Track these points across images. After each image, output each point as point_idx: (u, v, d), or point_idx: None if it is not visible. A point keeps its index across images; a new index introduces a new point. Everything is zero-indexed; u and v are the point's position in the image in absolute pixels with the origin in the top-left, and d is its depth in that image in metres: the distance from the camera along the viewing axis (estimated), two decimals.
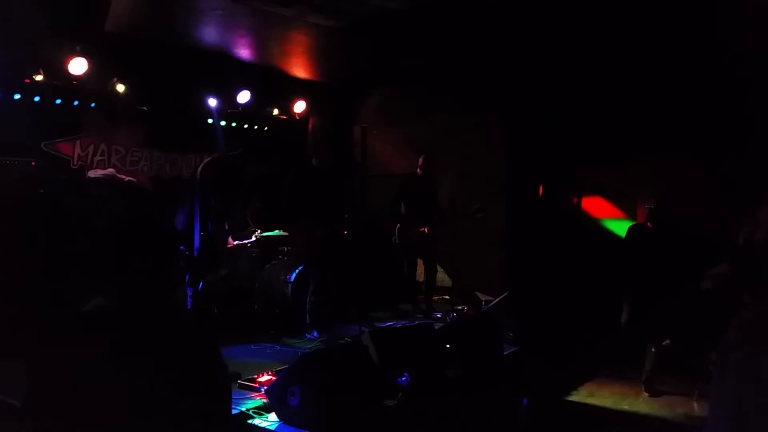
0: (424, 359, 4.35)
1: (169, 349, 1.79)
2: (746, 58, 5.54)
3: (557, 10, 5.81)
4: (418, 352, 4.34)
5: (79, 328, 1.75)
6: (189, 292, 4.53)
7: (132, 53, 6.35)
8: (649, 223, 5.86)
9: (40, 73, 5.86)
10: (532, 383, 5.45)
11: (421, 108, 8.23)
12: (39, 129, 6.11)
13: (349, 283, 6.15)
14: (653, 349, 5.70)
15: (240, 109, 7.74)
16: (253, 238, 6.81)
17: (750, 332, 1.73)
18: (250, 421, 3.63)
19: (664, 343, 5.70)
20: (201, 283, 4.49)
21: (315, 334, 5.69)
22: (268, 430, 3.56)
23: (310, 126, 8.92)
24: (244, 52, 7.24)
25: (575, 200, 7.16)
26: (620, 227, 6.23)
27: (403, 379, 4.04)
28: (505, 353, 5.45)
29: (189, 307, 4.42)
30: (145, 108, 6.93)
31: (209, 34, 6.67)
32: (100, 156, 6.72)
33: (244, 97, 7.62)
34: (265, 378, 4.15)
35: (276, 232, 6.90)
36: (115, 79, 6.45)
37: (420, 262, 6.89)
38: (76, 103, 6.37)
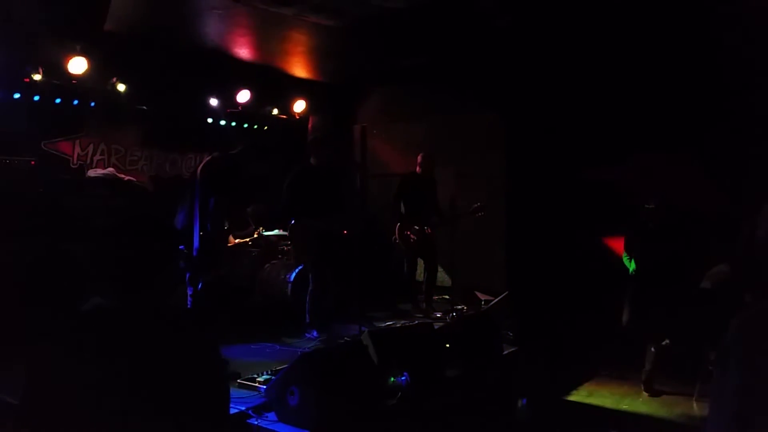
0: (423, 359, 4.35)
1: (168, 348, 1.79)
2: (746, 58, 5.54)
3: (557, 10, 5.82)
4: (417, 351, 4.35)
5: (77, 327, 1.74)
6: (189, 292, 4.52)
7: (132, 52, 6.35)
8: (648, 223, 5.85)
9: (39, 73, 5.86)
10: (531, 383, 5.45)
11: (421, 107, 8.22)
12: (39, 128, 6.10)
13: (348, 283, 6.15)
14: (653, 349, 5.69)
15: (240, 108, 7.75)
16: (255, 236, 6.81)
17: (750, 332, 1.72)
18: (249, 421, 3.63)
19: (663, 343, 5.70)
20: (201, 283, 4.49)
21: (314, 333, 5.69)
22: (267, 429, 3.56)
23: (309, 125, 8.92)
24: (243, 52, 7.24)
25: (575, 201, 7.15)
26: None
27: (403, 378, 4.04)
28: (504, 353, 5.45)
29: (189, 306, 4.41)
30: (144, 107, 6.93)
31: (209, 33, 6.67)
32: (100, 155, 6.72)
33: (243, 96, 7.62)
34: (264, 377, 4.15)
35: (275, 232, 6.91)
36: (114, 79, 6.45)
37: (420, 261, 6.89)
38: (75, 102, 6.37)
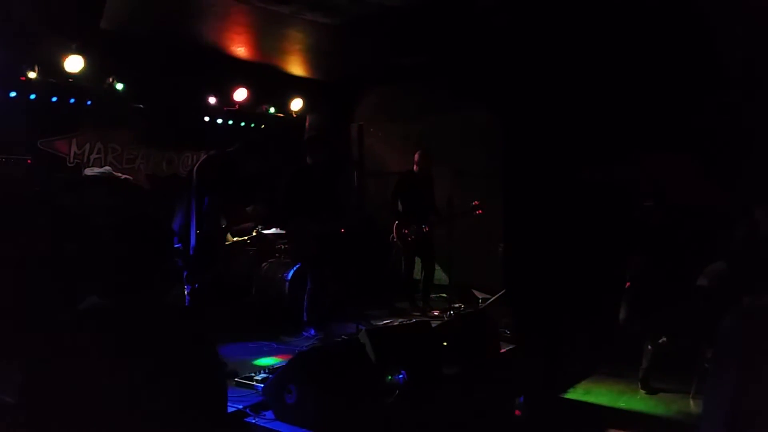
0: (421, 357, 4.35)
1: (166, 347, 1.79)
2: (746, 57, 5.55)
3: (555, 8, 5.81)
4: (415, 350, 4.35)
5: (74, 326, 1.74)
6: (186, 290, 4.52)
7: (128, 51, 6.33)
8: (646, 221, 5.86)
9: (35, 71, 5.84)
10: (528, 381, 5.46)
11: (419, 106, 8.22)
12: (35, 127, 6.08)
13: (346, 281, 6.15)
14: (650, 347, 5.71)
15: (237, 106, 7.74)
16: (254, 234, 6.80)
17: (747, 330, 1.73)
18: (246, 419, 3.63)
19: (660, 341, 5.71)
20: (198, 282, 4.48)
21: (312, 332, 5.69)
22: (265, 428, 3.56)
23: (306, 124, 8.91)
24: (241, 50, 7.22)
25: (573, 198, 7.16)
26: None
27: (400, 376, 4.05)
28: (502, 351, 5.46)
29: (186, 305, 4.41)
30: (141, 106, 6.91)
31: (206, 31, 6.65)
32: (97, 154, 6.70)
33: (241, 94, 7.61)
34: (262, 376, 4.15)
35: (273, 230, 6.91)
36: (111, 77, 6.44)
37: (417, 260, 6.89)
38: (72, 101, 6.34)
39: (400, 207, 6.74)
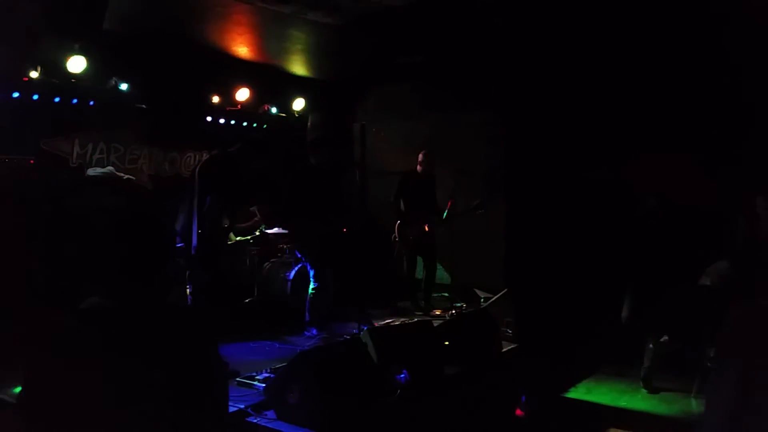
0: (422, 356, 4.36)
1: (167, 347, 1.79)
2: (746, 56, 5.54)
3: (556, 7, 5.81)
4: (416, 349, 4.35)
5: (75, 326, 1.75)
6: (188, 290, 4.53)
7: (130, 51, 6.35)
8: (648, 220, 5.86)
9: (38, 71, 5.86)
10: (530, 380, 5.45)
11: (421, 105, 8.21)
12: (37, 127, 6.09)
13: (348, 281, 6.15)
14: (651, 346, 5.70)
15: (239, 106, 7.75)
16: (257, 234, 6.81)
17: (746, 332, 1.73)
18: (248, 419, 3.64)
19: (662, 340, 5.70)
20: (200, 281, 4.49)
21: (314, 331, 5.70)
22: (266, 427, 3.57)
23: (308, 124, 8.92)
24: (242, 50, 7.23)
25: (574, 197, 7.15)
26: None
27: (402, 376, 4.05)
28: (503, 350, 5.46)
29: (188, 305, 4.42)
30: (143, 106, 6.93)
31: (208, 31, 6.66)
32: (99, 154, 6.71)
33: (243, 94, 7.62)
34: (263, 376, 4.16)
35: (275, 230, 6.91)
36: (113, 78, 6.45)
37: (419, 259, 6.89)
38: (74, 101, 6.36)
39: (402, 206, 6.74)
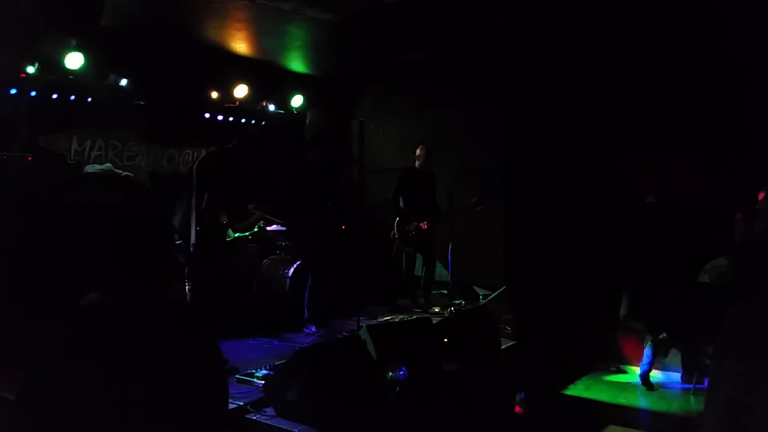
0: (421, 353, 4.35)
1: (166, 344, 1.79)
2: (746, 56, 5.54)
3: (557, 4, 5.80)
4: (415, 346, 4.35)
5: (75, 323, 1.74)
6: (187, 287, 4.52)
7: (128, 48, 6.33)
8: (647, 218, 5.87)
9: (36, 68, 5.84)
10: (529, 377, 5.46)
11: (419, 102, 8.21)
12: (35, 124, 6.08)
13: (347, 278, 6.15)
14: (650, 343, 5.71)
15: (237, 103, 7.74)
16: (256, 230, 6.81)
17: (746, 329, 1.72)
18: (248, 416, 3.63)
19: (661, 337, 5.72)
20: (198, 278, 4.48)
21: (313, 328, 5.69)
22: (266, 424, 3.56)
23: (307, 121, 8.91)
24: (241, 47, 7.22)
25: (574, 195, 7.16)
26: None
27: (401, 373, 4.05)
28: (502, 347, 5.47)
29: (187, 302, 4.41)
30: (142, 103, 6.91)
31: (206, 28, 6.65)
32: (97, 151, 6.70)
33: (241, 91, 7.61)
34: (262, 373, 4.16)
35: (274, 227, 6.90)
36: (111, 74, 6.43)
37: (418, 256, 6.89)
38: (72, 97, 6.35)
39: (401, 203, 6.73)
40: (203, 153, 5.01)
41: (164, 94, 6.95)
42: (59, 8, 5.31)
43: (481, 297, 6.77)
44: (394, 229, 6.72)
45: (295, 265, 6.31)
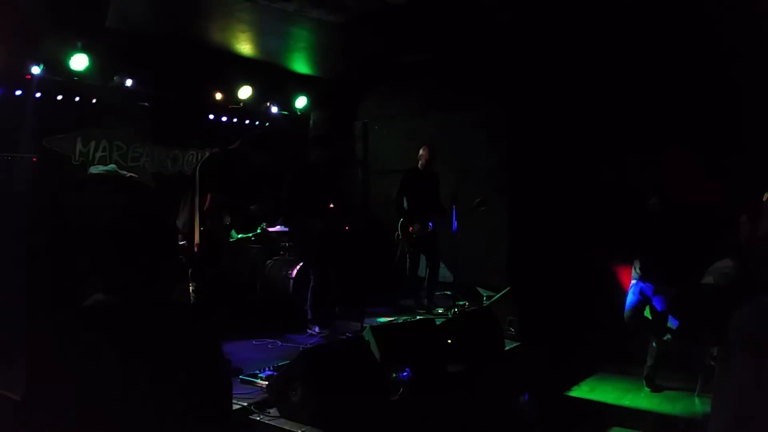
0: (425, 354, 4.35)
1: (171, 344, 1.79)
2: (753, 54, 5.52)
3: (559, 5, 5.80)
4: (419, 347, 4.35)
5: (79, 323, 1.75)
6: (190, 288, 4.52)
7: (133, 49, 6.35)
8: (652, 219, 5.84)
9: (41, 69, 5.86)
10: (533, 378, 5.45)
11: (423, 103, 8.21)
12: (40, 125, 6.11)
13: (351, 279, 6.15)
14: (655, 345, 5.69)
15: (241, 104, 7.75)
16: (258, 231, 6.81)
17: (752, 330, 1.72)
18: (251, 417, 3.63)
19: (665, 338, 5.69)
20: (202, 279, 4.48)
21: (317, 329, 5.70)
22: (269, 425, 3.56)
23: (311, 122, 8.92)
24: (245, 48, 7.23)
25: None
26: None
27: (405, 374, 4.04)
28: (506, 348, 5.45)
29: (190, 302, 4.41)
30: (146, 104, 6.93)
31: (211, 29, 6.66)
32: (102, 152, 6.72)
33: (245, 92, 7.62)
34: (266, 374, 4.16)
35: (277, 228, 6.90)
36: (116, 76, 6.45)
37: (422, 257, 6.88)
38: (77, 99, 6.37)
39: (405, 204, 6.73)
40: (207, 154, 5.01)
41: (168, 95, 6.97)
42: (64, 10, 5.33)
43: (485, 298, 6.76)
44: (398, 230, 6.72)
45: (298, 266, 6.31)
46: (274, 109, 8.31)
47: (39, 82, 5.91)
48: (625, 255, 6.12)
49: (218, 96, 7.48)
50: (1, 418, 3.32)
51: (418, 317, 6.06)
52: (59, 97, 6.20)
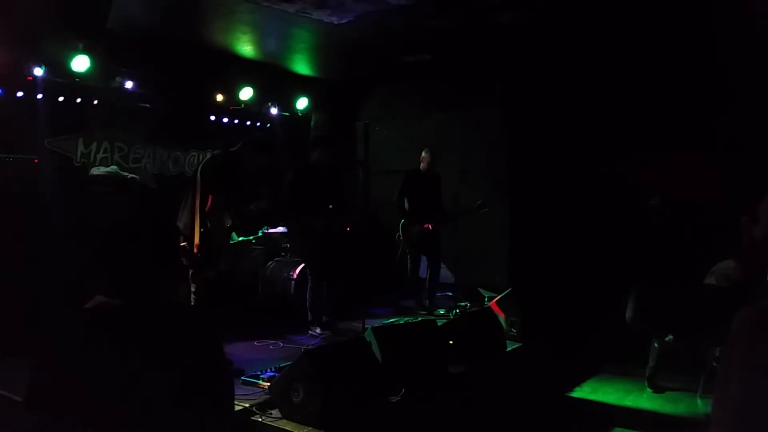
0: (427, 356, 4.35)
1: (172, 346, 1.79)
2: (755, 55, 5.52)
3: (559, 5, 5.80)
4: (421, 348, 4.35)
5: (81, 324, 1.74)
6: (191, 289, 4.53)
7: (134, 50, 6.36)
8: (653, 219, 5.84)
9: (42, 71, 5.87)
10: (535, 379, 5.44)
11: (425, 104, 8.21)
12: (41, 126, 6.11)
13: (352, 280, 6.15)
14: (657, 345, 5.68)
15: (242, 105, 7.75)
16: (260, 234, 6.81)
17: (753, 331, 1.71)
18: (253, 418, 3.64)
19: (667, 339, 5.68)
20: (203, 280, 4.49)
21: (318, 330, 5.70)
22: (271, 426, 3.56)
23: (312, 123, 8.92)
24: (246, 49, 7.24)
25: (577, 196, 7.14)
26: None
27: (406, 375, 4.04)
28: (508, 349, 5.45)
29: (191, 304, 4.42)
30: (147, 105, 6.93)
31: (212, 30, 6.66)
32: (103, 153, 6.72)
33: (246, 94, 7.63)
34: (268, 375, 4.16)
35: (279, 229, 6.90)
36: (117, 77, 6.46)
37: (423, 258, 6.88)
38: (78, 100, 6.37)
39: (406, 205, 6.73)
40: (208, 155, 5.02)
41: (170, 96, 6.98)
42: (66, 11, 5.33)
43: (486, 299, 6.75)
44: (399, 231, 6.72)
45: (299, 268, 6.31)
46: (275, 111, 8.31)
47: (40, 84, 5.91)
48: (625, 255, 6.11)
49: (219, 97, 7.48)
50: (2, 419, 3.32)
51: (419, 318, 6.05)
52: (61, 99, 6.21)
